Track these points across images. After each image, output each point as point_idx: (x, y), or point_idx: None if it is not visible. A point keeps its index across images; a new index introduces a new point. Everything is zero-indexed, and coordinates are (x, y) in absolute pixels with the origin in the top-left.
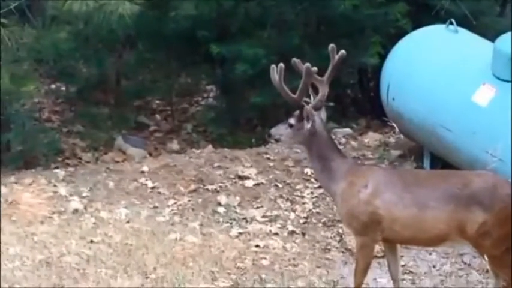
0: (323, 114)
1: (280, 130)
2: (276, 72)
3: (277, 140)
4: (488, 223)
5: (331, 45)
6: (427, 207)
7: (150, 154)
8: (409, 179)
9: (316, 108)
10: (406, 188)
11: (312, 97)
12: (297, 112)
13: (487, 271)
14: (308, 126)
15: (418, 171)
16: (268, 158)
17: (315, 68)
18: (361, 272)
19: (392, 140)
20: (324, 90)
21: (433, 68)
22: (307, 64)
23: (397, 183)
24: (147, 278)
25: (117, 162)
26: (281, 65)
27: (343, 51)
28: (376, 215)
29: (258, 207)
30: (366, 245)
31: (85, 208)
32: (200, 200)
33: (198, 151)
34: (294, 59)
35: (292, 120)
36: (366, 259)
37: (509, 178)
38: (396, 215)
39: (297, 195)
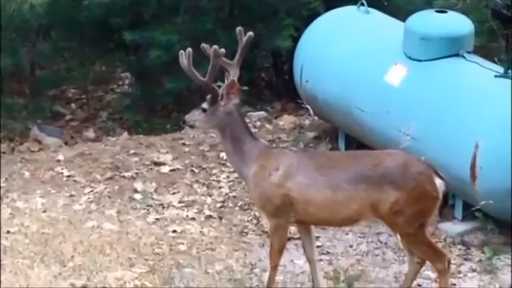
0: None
1: (194, 116)
2: (184, 57)
3: (191, 126)
4: (400, 201)
5: (238, 28)
6: (339, 189)
7: (66, 143)
8: (321, 161)
9: None
10: (318, 170)
11: (226, 81)
12: (209, 96)
13: (402, 249)
14: (223, 104)
15: (330, 153)
16: (184, 144)
17: (222, 50)
18: (276, 253)
19: (307, 122)
20: (234, 73)
21: (345, 49)
22: (215, 46)
23: (309, 165)
24: (64, 266)
25: (33, 151)
26: (189, 49)
27: (250, 33)
28: (289, 198)
29: (174, 193)
30: (279, 227)
31: (1, 198)
32: (116, 187)
33: (114, 139)
34: (203, 45)
35: (205, 105)
36: (280, 241)
37: (421, 156)
38: (309, 197)
39: (213, 180)
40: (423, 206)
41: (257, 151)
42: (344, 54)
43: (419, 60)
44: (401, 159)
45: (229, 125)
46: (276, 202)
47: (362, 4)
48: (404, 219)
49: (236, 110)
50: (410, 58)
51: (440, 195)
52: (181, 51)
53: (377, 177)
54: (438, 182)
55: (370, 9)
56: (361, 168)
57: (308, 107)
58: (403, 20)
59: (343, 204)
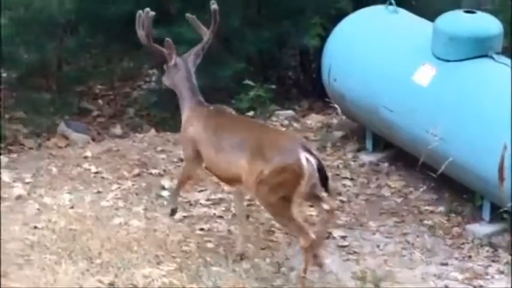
0: (192, 59)
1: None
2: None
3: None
4: (264, 172)
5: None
6: (222, 151)
7: (93, 139)
8: (224, 123)
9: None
10: (216, 132)
11: None
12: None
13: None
14: (170, 64)
15: (237, 118)
16: None
17: (152, 13)
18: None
19: (334, 121)
20: (204, 38)
21: (373, 49)
22: (147, 9)
23: (213, 126)
24: (92, 263)
25: (60, 147)
26: (139, 12)
27: (214, 6)
28: (197, 151)
29: (201, 191)
30: (187, 167)
31: (28, 194)
32: (144, 184)
33: (141, 135)
34: (187, 14)
35: (165, 65)
36: (184, 176)
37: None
38: (205, 154)
39: None
40: (285, 179)
41: (191, 105)
42: (372, 54)
43: (447, 61)
44: (280, 137)
45: (177, 82)
46: (190, 152)
47: (390, 3)
48: (267, 189)
49: (185, 67)
50: (438, 58)
51: (306, 173)
52: (139, 12)
53: (254, 148)
54: (305, 160)
55: (398, 8)
56: (245, 138)
57: (336, 106)
58: (432, 19)
59: (224, 166)
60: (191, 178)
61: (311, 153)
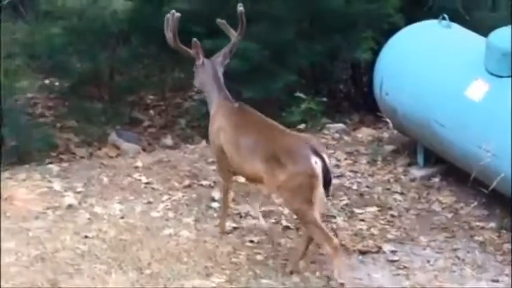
0: (219, 60)
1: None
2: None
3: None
4: (280, 178)
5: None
6: (242, 152)
7: (144, 149)
8: (244, 123)
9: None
10: (237, 131)
11: None
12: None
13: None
14: (198, 63)
15: (257, 117)
16: None
17: (178, 14)
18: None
19: (385, 135)
20: (234, 41)
21: (426, 63)
22: (172, 11)
23: (234, 124)
24: (141, 273)
25: (111, 157)
26: (167, 15)
27: (241, 9)
28: (221, 148)
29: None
30: (219, 169)
31: (79, 203)
32: (194, 196)
33: (192, 146)
34: (218, 20)
35: (194, 67)
36: (223, 182)
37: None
38: (228, 153)
39: None
40: (301, 184)
41: (216, 102)
42: (425, 68)
43: (500, 77)
44: (297, 143)
45: (204, 81)
46: (216, 152)
47: (443, 18)
48: (288, 194)
49: (212, 67)
50: (491, 74)
51: (318, 173)
52: (167, 15)
53: (270, 152)
54: (315, 161)
55: (451, 23)
56: (260, 141)
57: (387, 119)
58: (485, 35)
59: (245, 165)
60: (229, 179)
61: (319, 155)
